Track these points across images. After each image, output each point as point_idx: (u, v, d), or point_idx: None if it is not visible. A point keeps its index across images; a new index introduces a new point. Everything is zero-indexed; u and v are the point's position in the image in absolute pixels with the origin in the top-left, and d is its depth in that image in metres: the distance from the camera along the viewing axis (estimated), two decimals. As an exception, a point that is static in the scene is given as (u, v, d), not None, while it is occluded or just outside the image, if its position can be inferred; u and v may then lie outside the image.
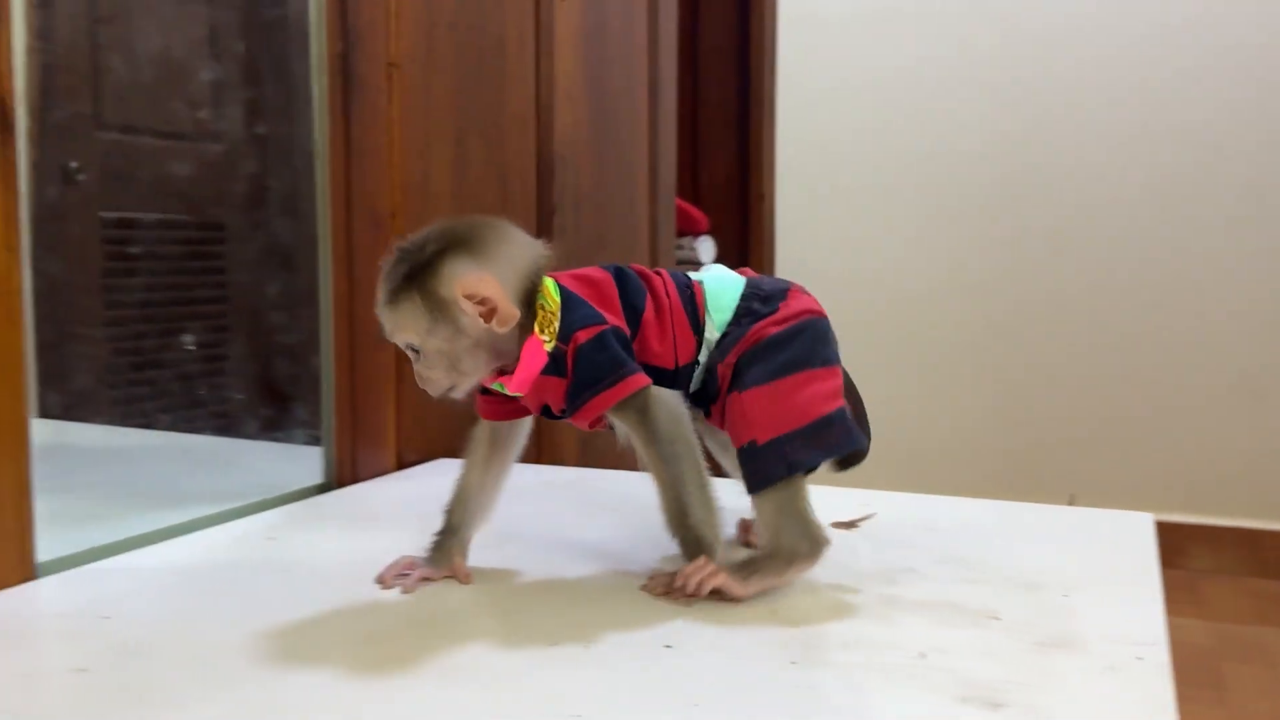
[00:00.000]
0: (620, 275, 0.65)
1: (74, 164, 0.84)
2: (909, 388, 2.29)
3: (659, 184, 1.68)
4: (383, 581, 0.65)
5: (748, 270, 0.69)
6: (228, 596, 0.64)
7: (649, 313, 0.64)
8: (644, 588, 0.63)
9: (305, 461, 0.99)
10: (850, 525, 0.78)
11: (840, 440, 0.62)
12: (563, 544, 0.74)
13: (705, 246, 2.25)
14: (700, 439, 0.63)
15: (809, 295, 0.67)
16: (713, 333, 0.65)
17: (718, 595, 0.60)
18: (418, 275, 0.60)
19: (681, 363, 0.64)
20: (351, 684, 0.50)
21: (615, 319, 0.63)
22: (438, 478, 0.97)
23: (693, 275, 0.68)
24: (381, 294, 0.61)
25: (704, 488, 0.61)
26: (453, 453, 1.13)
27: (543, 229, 1.30)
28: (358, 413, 0.99)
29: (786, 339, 0.63)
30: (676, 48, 1.73)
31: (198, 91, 0.98)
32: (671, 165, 1.76)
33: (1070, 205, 2.12)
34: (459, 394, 0.63)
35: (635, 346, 0.63)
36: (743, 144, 2.31)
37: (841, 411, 0.63)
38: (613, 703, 0.48)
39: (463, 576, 0.65)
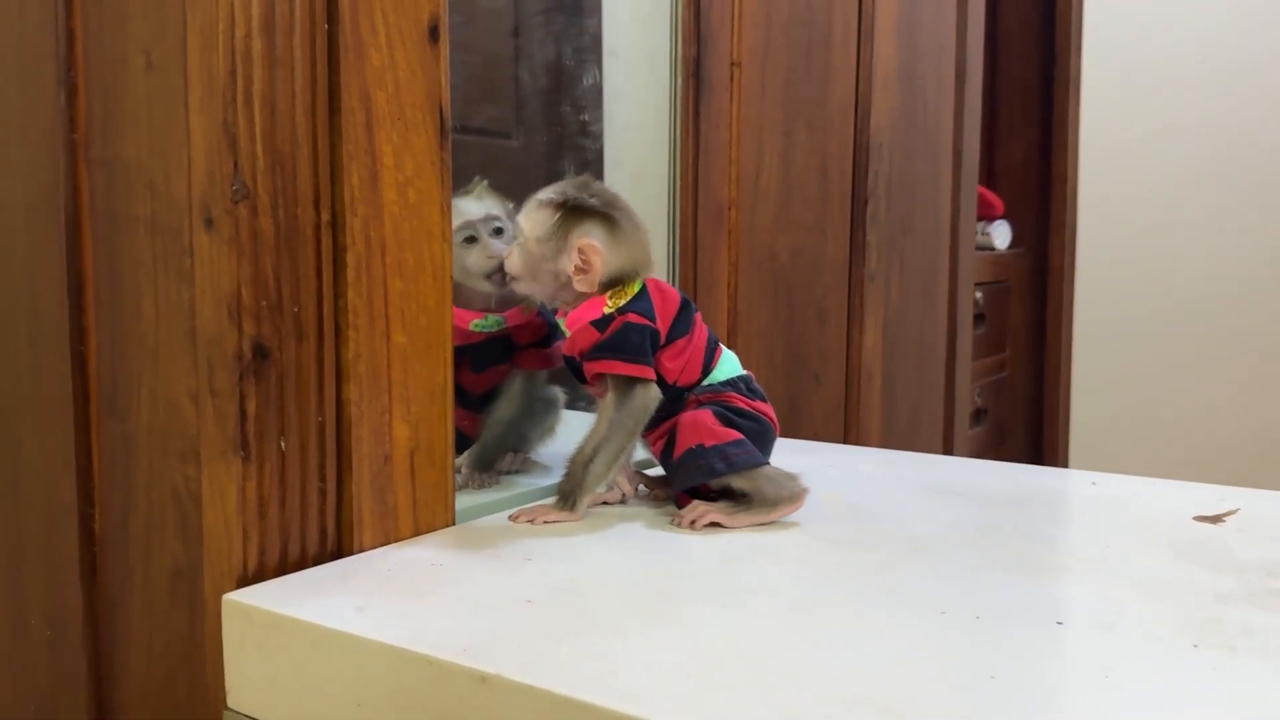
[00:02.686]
0: (684, 305, 0.81)
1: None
2: (1219, 382, 2.15)
3: (962, 169, 1.66)
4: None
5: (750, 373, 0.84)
6: (630, 544, 0.71)
7: (679, 342, 0.79)
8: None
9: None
10: (1215, 519, 0.77)
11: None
12: (912, 520, 0.77)
13: (1000, 231, 2.21)
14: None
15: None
16: (710, 380, 0.81)
17: (715, 526, 0.75)
18: (572, 208, 0.77)
19: (681, 384, 0.80)
20: (759, 628, 0.56)
21: (661, 329, 0.79)
22: (812, 455, 0.99)
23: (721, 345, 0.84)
24: (545, 192, 0.79)
25: (615, 459, 0.77)
26: (815, 435, 1.19)
27: (856, 217, 1.33)
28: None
29: (746, 416, 0.79)
30: (984, 32, 1.71)
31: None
32: (975, 150, 1.73)
33: None
34: (514, 287, 0.82)
35: (657, 356, 0.78)
36: (1044, 124, 2.24)
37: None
38: (1029, 669, 0.51)
39: (627, 489, 0.83)
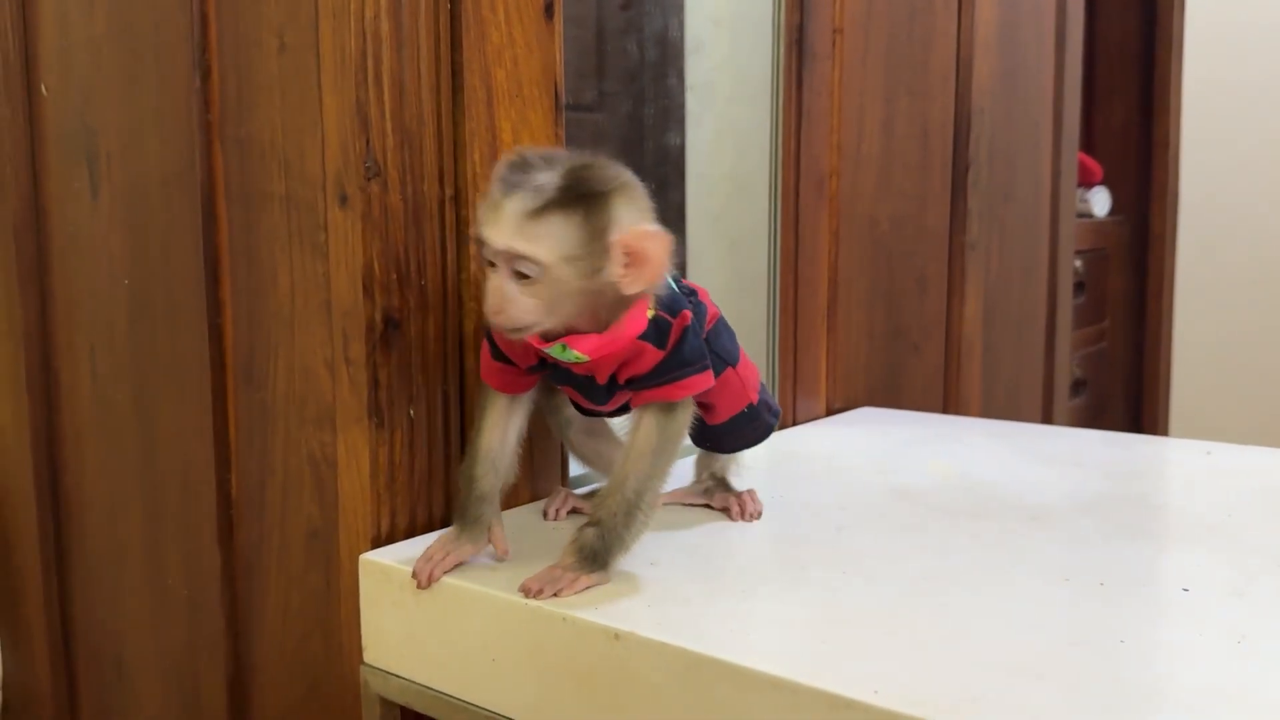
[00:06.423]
0: None
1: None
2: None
3: (1063, 135, 1.63)
4: (426, 578, 0.60)
5: None
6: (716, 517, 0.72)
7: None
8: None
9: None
10: (1342, 488, 0.75)
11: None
12: (1026, 490, 0.77)
13: (1099, 198, 2.15)
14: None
15: None
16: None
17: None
18: (590, 199, 0.54)
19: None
20: (886, 593, 0.56)
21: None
22: (864, 425, 1.03)
23: None
24: (525, 199, 0.53)
25: (653, 508, 0.60)
26: (873, 401, 1.19)
27: (957, 184, 1.32)
28: (798, 360, 1.06)
29: (723, 324, 0.68)
30: (1085, -7, 1.67)
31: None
32: (1076, 115, 1.69)
33: None
34: (528, 335, 0.58)
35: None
36: (1144, 86, 2.17)
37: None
38: (1159, 634, 0.51)
39: (500, 549, 0.62)
